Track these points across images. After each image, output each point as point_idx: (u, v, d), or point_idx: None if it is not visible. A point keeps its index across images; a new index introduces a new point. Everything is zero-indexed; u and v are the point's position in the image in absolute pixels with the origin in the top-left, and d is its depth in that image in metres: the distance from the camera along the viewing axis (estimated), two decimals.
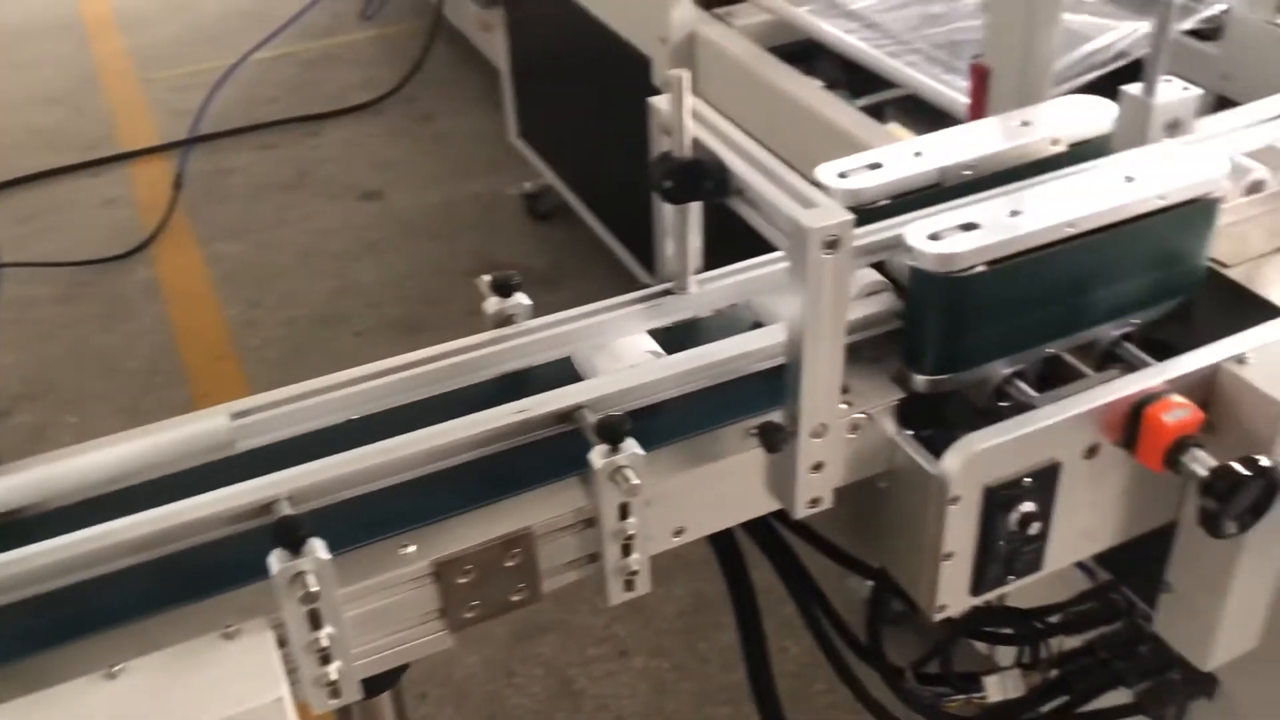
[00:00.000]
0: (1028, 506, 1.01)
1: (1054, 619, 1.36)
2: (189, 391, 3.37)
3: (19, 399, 3.36)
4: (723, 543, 1.20)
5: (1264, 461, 0.97)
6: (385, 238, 3.99)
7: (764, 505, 1.05)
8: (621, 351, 1.07)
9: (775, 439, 0.97)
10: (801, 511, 1.02)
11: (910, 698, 1.35)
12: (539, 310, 1.10)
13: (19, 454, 0.96)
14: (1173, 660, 1.32)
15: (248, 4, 5.77)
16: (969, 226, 1.01)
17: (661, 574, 0.98)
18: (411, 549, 0.91)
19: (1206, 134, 1.29)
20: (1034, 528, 1.02)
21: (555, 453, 0.97)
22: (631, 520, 0.93)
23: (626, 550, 0.95)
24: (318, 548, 0.83)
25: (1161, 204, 1.06)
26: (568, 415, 0.98)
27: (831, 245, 0.89)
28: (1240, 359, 1.05)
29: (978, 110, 1.88)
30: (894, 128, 2.28)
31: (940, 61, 2.22)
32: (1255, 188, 1.25)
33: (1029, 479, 1.00)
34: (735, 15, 2.63)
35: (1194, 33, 2.12)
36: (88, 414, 3.28)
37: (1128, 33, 2.07)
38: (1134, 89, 1.26)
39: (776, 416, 0.99)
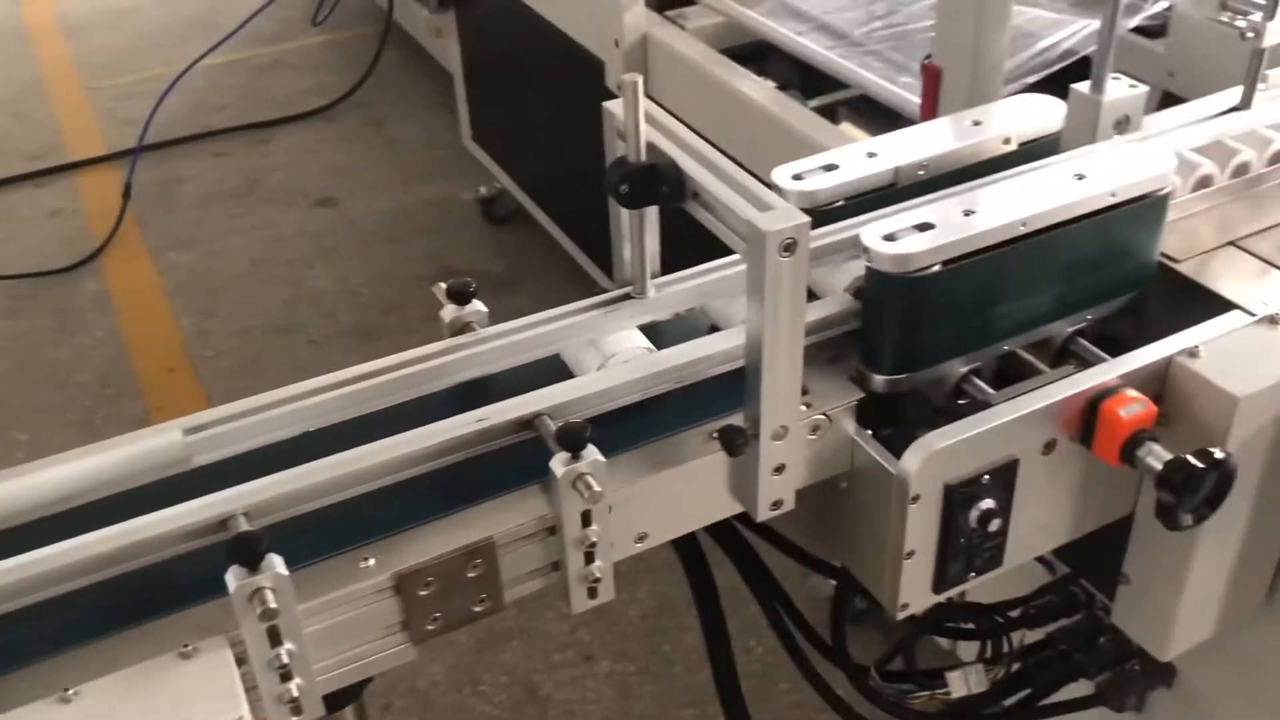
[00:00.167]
0: (988, 503, 1.02)
1: (1015, 613, 1.37)
2: (143, 404, 3.31)
3: None
4: (686, 546, 1.20)
5: (1218, 454, 0.98)
6: (339, 245, 3.95)
7: (727, 508, 1.05)
8: (612, 348, 1.07)
9: (736, 442, 0.97)
10: (764, 514, 1.02)
11: (874, 695, 1.36)
12: (497, 314, 1.09)
13: None
14: (1132, 651, 1.34)
15: (194, 10, 5.69)
16: (924, 227, 1.02)
17: (625, 578, 0.98)
18: (371, 562, 0.90)
19: (1154, 130, 1.31)
20: (994, 524, 1.03)
21: (516, 461, 0.97)
22: (594, 528, 0.93)
23: (589, 558, 0.95)
24: (276, 563, 0.81)
25: (1112, 201, 1.07)
26: (528, 423, 0.97)
27: (789, 248, 0.89)
28: (1193, 352, 1.06)
29: (929, 110, 1.89)
30: (847, 128, 2.29)
31: (892, 62, 2.23)
32: (1203, 183, 1.27)
33: (988, 476, 1.01)
34: (687, 17, 2.63)
35: (1140, 30, 2.14)
36: (38, 429, 3.22)
37: (1075, 30, 2.09)
38: (1083, 87, 1.28)
39: (737, 419, 0.99)
